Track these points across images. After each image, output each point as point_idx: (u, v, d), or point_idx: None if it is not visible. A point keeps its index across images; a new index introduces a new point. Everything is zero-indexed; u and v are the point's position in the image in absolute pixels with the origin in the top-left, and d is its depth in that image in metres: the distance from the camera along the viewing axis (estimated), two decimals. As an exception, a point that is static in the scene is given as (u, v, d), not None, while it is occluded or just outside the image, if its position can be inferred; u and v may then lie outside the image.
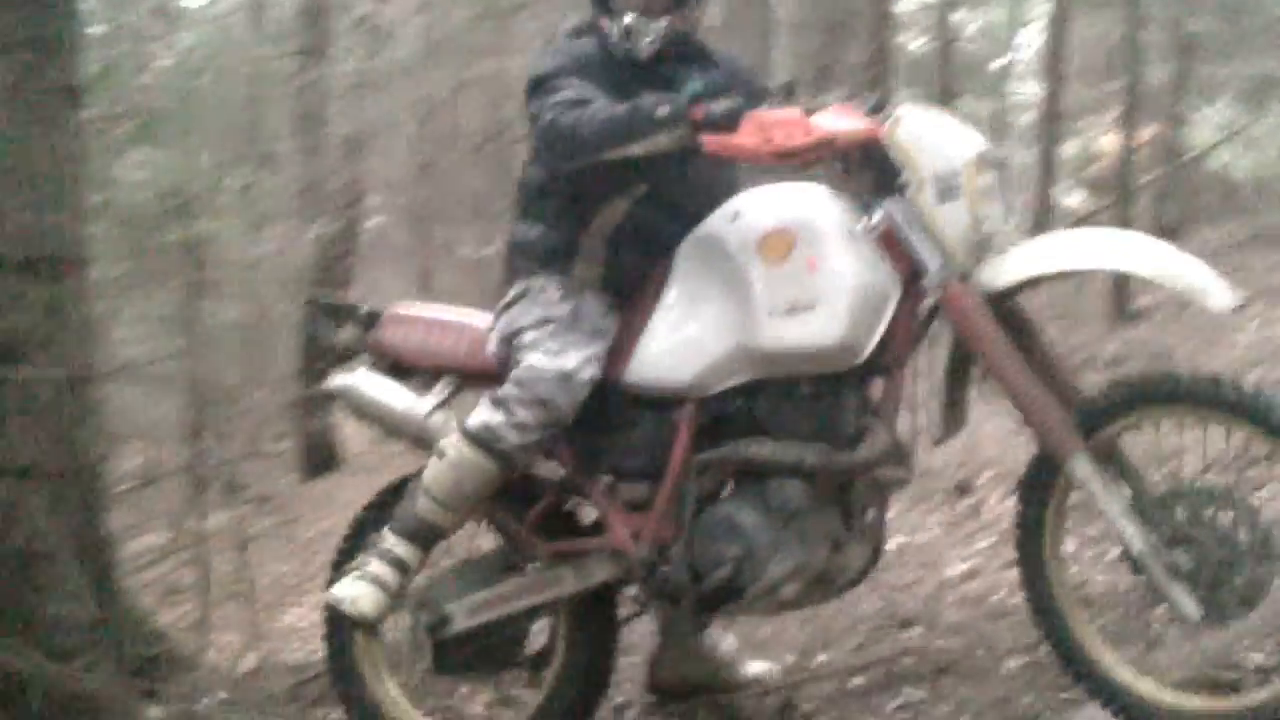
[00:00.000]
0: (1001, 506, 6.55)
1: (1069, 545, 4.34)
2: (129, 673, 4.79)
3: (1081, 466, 3.87)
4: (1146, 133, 14.00)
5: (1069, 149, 18.31)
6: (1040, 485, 4.07)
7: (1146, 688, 3.96)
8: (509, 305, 4.46)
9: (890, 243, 4.06)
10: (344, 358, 4.92)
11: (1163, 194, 14.03)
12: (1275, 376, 7.81)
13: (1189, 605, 3.81)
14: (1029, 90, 21.20)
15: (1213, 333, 9.85)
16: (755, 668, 5.03)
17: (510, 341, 4.41)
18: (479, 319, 4.70)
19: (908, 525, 5.88)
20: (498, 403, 4.28)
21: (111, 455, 5.69)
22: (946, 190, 3.99)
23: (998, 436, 6.80)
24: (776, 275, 4.08)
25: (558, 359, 4.26)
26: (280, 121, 17.77)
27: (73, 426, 4.89)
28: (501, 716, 5.01)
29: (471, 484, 4.34)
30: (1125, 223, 11.37)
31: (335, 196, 16.76)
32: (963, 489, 7.22)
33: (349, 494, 15.28)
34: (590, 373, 4.27)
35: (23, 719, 4.49)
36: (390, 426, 4.76)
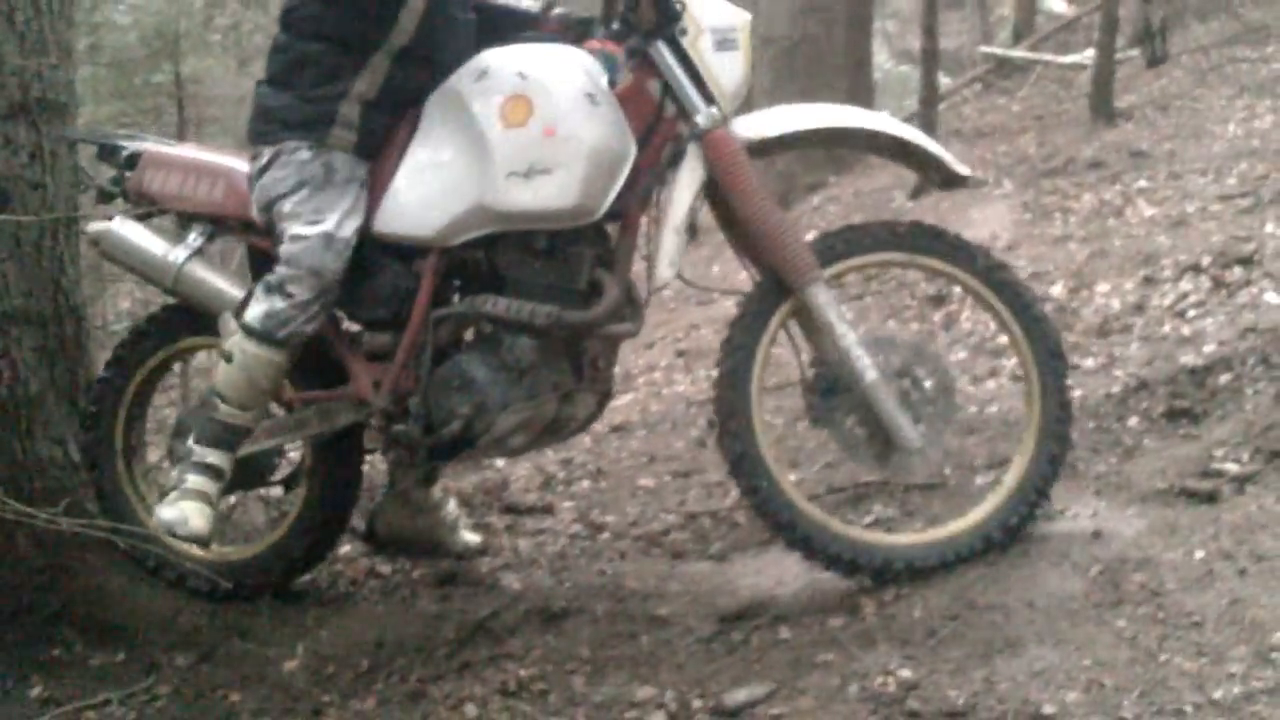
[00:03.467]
0: (976, 318, 6.71)
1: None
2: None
3: (822, 293, 4.19)
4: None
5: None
6: (761, 314, 4.32)
7: (830, 522, 4.34)
8: (263, 170, 4.51)
9: (632, 100, 4.29)
10: (105, 199, 4.99)
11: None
12: (1258, 172, 7.99)
13: (913, 433, 4.19)
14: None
15: (1195, 130, 9.90)
16: (469, 537, 5.27)
17: (270, 210, 4.48)
18: (236, 162, 4.76)
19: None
20: (272, 288, 4.38)
21: (102, 297, 5.66)
22: (724, 42, 4.22)
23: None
24: (515, 139, 4.25)
25: (318, 223, 4.36)
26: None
27: (59, 271, 4.92)
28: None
29: (265, 378, 4.46)
30: (1112, 23, 11.33)
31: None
32: (937, 300, 7.31)
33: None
34: (351, 226, 4.41)
35: (11, 561, 4.67)
36: (147, 274, 4.85)
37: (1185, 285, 6.47)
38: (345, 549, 5.32)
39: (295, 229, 4.38)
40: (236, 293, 4.64)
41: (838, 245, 4.38)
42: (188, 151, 4.99)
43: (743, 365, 4.33)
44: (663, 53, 4.24)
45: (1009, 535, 4.26)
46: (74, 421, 4.92)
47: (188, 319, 4.92)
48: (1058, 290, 6.81)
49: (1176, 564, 3.92)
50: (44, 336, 4.84)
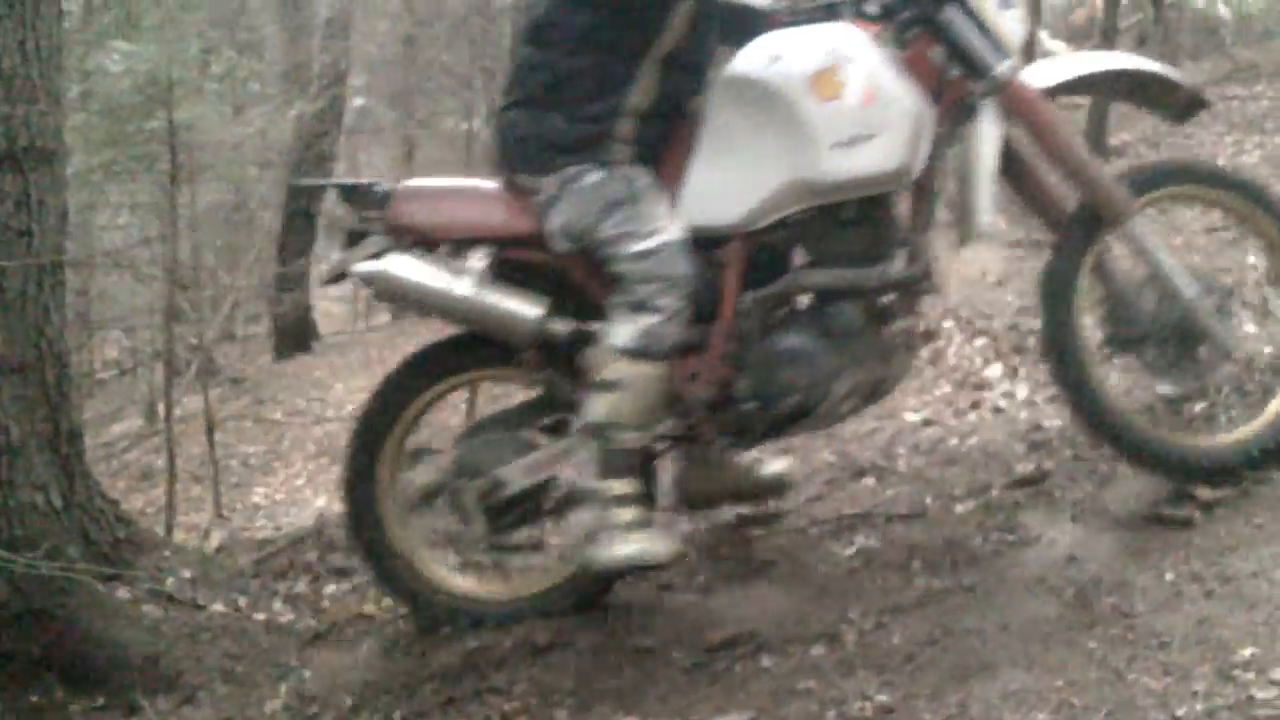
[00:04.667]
0: (962, 353, 6.73)
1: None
2: (96, 557, 4.90)
3: (1140, 224, 4.44)
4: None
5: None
6: (1079, 246, 4.53)
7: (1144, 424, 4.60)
8: (553, 201, 4.47)
9: (916, 67, 4.41)
10: (355, 239, 4.78)
11: (1143, 36, 14.09)
12: None
13: (1231, 338, 4.49)
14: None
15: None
16: (775, 466, 5.24)
17: (580, 240, 4.46)
18: (489, 185, 4.72)
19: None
20: (638, 307, 4.34)
21: (91, 343, 5.67)
22: (1004, 2, 4.45)
23: (960, 284, 7.04)
24: (833, 111, 4.32)
25: (655, 234, 4.36)
26: (263, 6, 17.81)
27: (44, 319, 4.93)
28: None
29: (654, 394, 4.42)
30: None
31: (318, 77, 16.78)
32: (927, 335, 7.34)
33: (319, 373, 15.38)
34: (679, 227, 4.40)
35: (-9, 608, 4.67)
36: (433, 307, 4.66)
37: (1171, 314, 6.49)
38: (330, 588, 5.34)
39: (633, 247, 4.36)
40: (532, 311, 4.56)
41: (1147, 177, 4.65)
42: (441, 181, 4.95)
43: (1064, 294, 4.51)
44: (954, 15, 4.38)
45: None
46: (56, 468, 4.90)
47: (473, 350, 4.87)
48: (1044, 324, 6.84)
49: (1147, 586, 3.95)
50: (26, 384, 4.84)
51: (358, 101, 23.04)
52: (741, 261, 4.51)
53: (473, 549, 4.87)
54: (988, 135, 4.45)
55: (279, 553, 5.68)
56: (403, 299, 4.73)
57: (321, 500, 9.12)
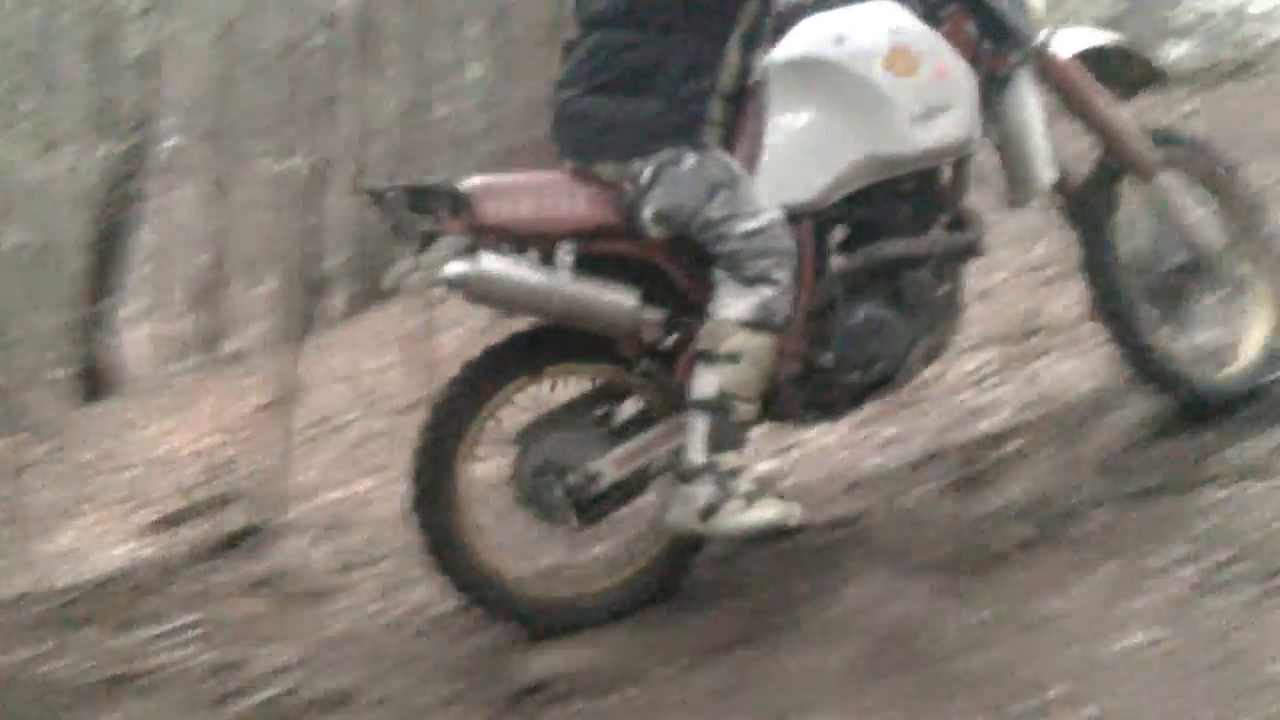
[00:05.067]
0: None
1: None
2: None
3: (1169, 178, 4.92)
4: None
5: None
6: (1102, 201, 4.93)
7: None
8: (648, 187, 4.43)
9: (954, 42, 4.63)
10: (428, 241, 4.54)
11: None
12: (1060, 244, 8.22)
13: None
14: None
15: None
16: (762, 468, 5.42)
17: (681, 224, 4.44)
18: (560, 177, 4.62)
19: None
20: (753, 280, 4.36)
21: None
22: None
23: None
24: (912, 86, 4.52)
25: (761, 211, 4.39)
26: (71, 46, 17.60)
27: None
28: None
29: (768, 365, 4.42)
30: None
31: (127, 118, 16.66)
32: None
33: (130, 415, 15.15)
34: (777, 204, 4.45)
35: None
36: (528, 304, 4.54)
37: (986, 354, 6.57)
38: (135, 635, 5.22)
39: (741, 226, 4.36)
40: (628, 301, 4.49)
41: (1169, 137, 5.03)
42: (511, 177, 4.74)
43: (1099, 238, 4.88)
44: None
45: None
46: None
47: (559, 342, 4.73)
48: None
49: (961, 625, 3.97)
50: None
51: (170, 141, 22.82)
52: (812, 238, 4.57)
53: (556, 545, 4.86)
54: (1030, 98, 4.74)
55: (82, 599, 5.53)
56: (499, 298, 4.54)
57: (130, 545, 8.96)
